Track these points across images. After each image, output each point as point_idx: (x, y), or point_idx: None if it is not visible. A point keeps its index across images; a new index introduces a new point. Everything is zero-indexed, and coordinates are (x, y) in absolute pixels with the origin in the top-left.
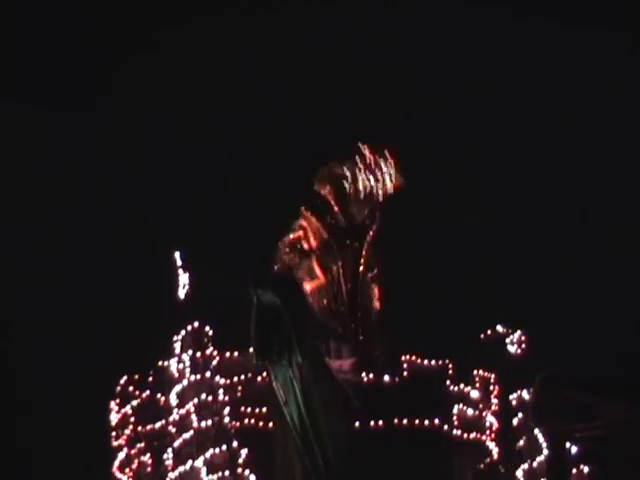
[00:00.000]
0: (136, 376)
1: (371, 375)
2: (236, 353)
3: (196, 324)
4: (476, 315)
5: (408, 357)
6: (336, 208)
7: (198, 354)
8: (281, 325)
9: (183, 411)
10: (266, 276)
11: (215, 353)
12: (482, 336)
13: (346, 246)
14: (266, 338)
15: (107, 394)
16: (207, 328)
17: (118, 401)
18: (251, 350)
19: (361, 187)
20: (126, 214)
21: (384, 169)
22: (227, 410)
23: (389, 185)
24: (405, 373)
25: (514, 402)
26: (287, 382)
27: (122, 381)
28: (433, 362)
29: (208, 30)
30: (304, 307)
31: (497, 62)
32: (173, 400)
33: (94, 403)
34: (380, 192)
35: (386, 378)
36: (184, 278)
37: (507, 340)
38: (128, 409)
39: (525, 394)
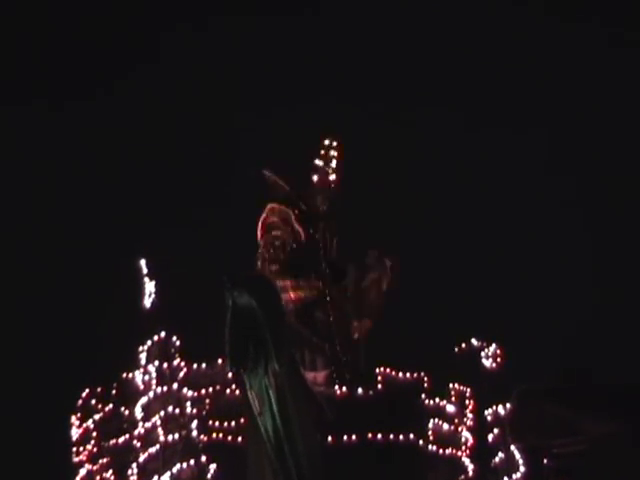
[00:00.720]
0: (99, 389)
1: (344, 388)
2: (204, 365)
3: (162, 334)
4: (451, 328)
5: (382, 370)
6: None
7: (165, 365)
8: (257, 329)
9: (149, 424)
10: (242, 277)
11: (182, 364)
12: (456, 350)
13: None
14: (241, 343)
15: (68, 408)
16: (174, 338)
17: (79, 415)
18: (219, 361)
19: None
20: (88, 221)
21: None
22: (195, 423)
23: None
24: (379, 386)
25: (489, 417)
26: (262, 391)
27: (84, 394)
28: (408, 375)
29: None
30: (280, 311)
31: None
32: (138, 413)
33: (54, 417)
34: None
35: (360, 391)
36: (150, 286)
37: (482, 354)
38: (90, 423)
39: (501, 409)
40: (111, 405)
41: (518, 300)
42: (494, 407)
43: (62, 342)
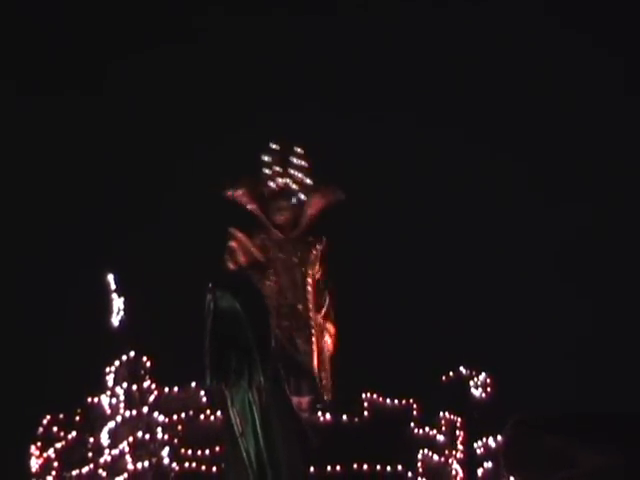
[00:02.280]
0: (61, 415)
1: (328, 415)
2: (176, 388)
3: (132, 354)
4: (439, 354)
5: (369, 395)
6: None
7: (134, 387)
8: (241, 336)
9: (116, 451)
10: (225, 278)
11: (153, 387)
12: (444, 378)
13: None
14: (223, 353)
15: (27, 437)
16: (144, 359)
17: (39, 445)
18: (192, 385)
19: (274, 185)
20: (49, 229)
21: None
22: (166, 450)
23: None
24: (366, 413)
25: (480, 450)
26: (245, 408)
27: (44, 421)
28: (396, 402)
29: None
30: (266, 316)
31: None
32: (105, 439)
33: (11, 447)
34: (296, 187)
35: (344, 418)
36: (118, 303)
37: (471, 383)
38: (51, 453)
39: (491, 441)
40: (74, 433)
41: (510, 327)
42: (484, 439)
43: (19, 364)
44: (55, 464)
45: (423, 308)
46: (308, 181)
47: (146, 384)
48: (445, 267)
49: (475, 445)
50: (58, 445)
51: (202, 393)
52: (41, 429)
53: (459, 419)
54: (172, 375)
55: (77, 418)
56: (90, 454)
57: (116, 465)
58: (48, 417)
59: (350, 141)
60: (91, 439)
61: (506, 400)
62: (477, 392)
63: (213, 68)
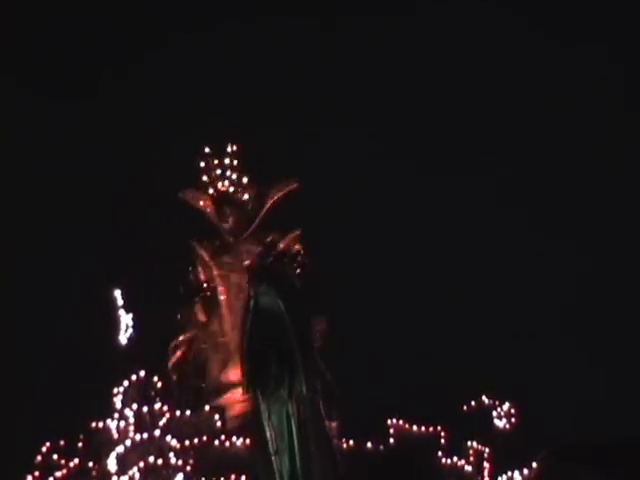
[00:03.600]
0: (61, 442)
1: (352, 442)
2: (188, 412)
3: (142, 374)
4: (461, 382)
5: (395, 421)
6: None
7: (144, 409)
8: (283, 339)
9: (125, 478)
10: (269, 272)
11: (165, 409)
12: (465, 407)
13: None
14: (262, 357)
15: (23, 466)
16: (155, 379)
17: (37, 474)
18: (206, 409)
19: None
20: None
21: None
22: (180, 477)
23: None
24: (392, 440)
25: None
26: (283, 423)
27: (43, 449)
28: (423, 429)
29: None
30: (309, 320)
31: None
32: (112, 465)
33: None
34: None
35: (369, 445)
36: (126, 319)
37: (494, 413)
38: None
39: (517, 476)
40: (77, 460)
41: (536, 355)
42: (509, 473)
43: (15, 387)
44: None
45: (445, 335)
46: (244, 179)
47: (157, 406)
48: (469, 295)
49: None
50: (58, 474)
51: (216, 417)
52: (39, 457)
53: (487, 449)
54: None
55: (80, 444)
56: None
57: None
58: (47, 444)
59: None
60: (95, 466)
61: (530, 431)
62: (501, 423)
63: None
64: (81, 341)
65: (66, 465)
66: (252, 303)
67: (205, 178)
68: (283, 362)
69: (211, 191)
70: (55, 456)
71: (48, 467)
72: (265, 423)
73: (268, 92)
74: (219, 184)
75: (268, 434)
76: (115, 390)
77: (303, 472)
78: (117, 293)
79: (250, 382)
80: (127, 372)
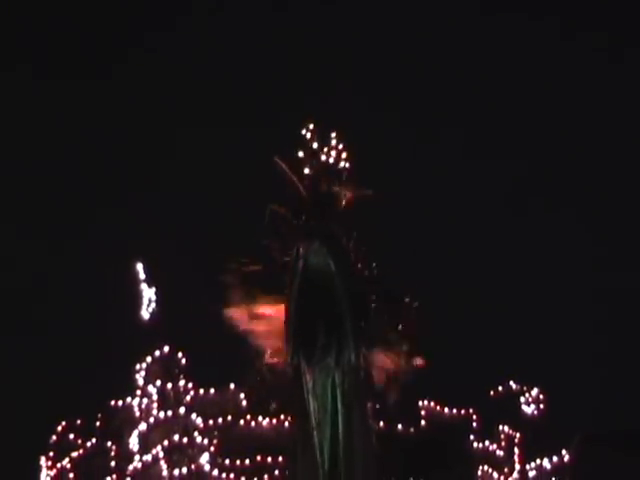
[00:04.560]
0: (78, 421)
1: (381, 423)
2: (212, 390)
3: (166, 349)
4: (490, 367)
5: (427, 403)
6: None
7: (169, 386)
8: (333, 304)
9: (148, 457)
10: (321, 228)
11: (190, 386)
12: (492, 393)
13: None
14: (310, 324)
15: (36, 447)
16: (179, 355)
17: (52, 454)
18: (232, 386)
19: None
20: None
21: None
22: (206, 456)
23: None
24: (423, 422)
25: (532, 472)
26: (327, 394)
27: (59, 428)
28: (455, 411)
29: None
30: (363, 283)
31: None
32: (134, 444)
33: (18, 460)
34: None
35: (400, 427)
36: (149, 293)
37: (522, 399)
38: (66, 463)
39: (546, 462)
40: (94, 440)
41: (565, 341)
42: (538, 460)
43: (30, 364)
44: (71, 475)
45: (477, 319)
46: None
47: (181, 383)
48: (502, 281)
49: (528, 467)
50: (74, 454)
51: (241, 396)
52: (54, 437)
53: (518, 434)
54: (209, 374)
55: (98, 423)
56: (113, 463)
57: (148, 473)
58: (63, 423)
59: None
60: (114, 446)
61: (559, 418)
62: (529, 409)
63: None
64: (101, 316)
65: (83, 445)
66: (301, 264)
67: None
68: (332, 329)
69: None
70: (71, 436)
71: (63, 447)
72: (308, 395)
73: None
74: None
75: (311, 406)
76: (137, 367)
77: (345, 447)
78: (139, 266)
79: (295, 352)
80: (150, 348)
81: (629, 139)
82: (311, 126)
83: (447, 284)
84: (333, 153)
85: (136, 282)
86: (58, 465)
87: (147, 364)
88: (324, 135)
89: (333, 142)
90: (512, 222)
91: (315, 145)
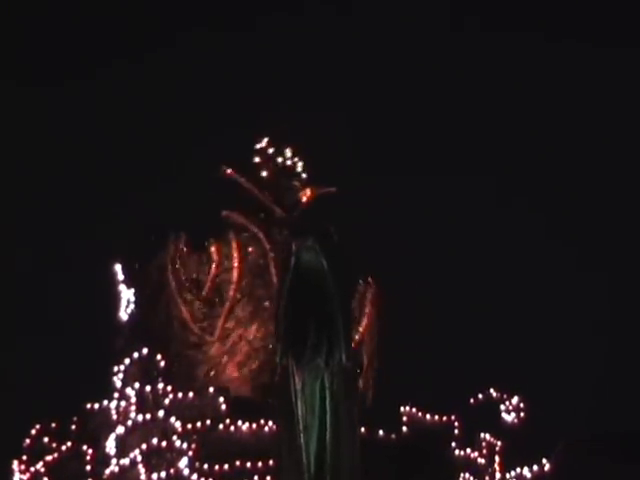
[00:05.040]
0: (53, 424)
1: (362, 429)
2: (191, 393)
3: (144, 351)
4: (470, 374)
5: (408, 409)
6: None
7: (147, 388)
8: (325, 303)
9: (126, 461)
10: (313, 227)
11: (169, 389)
12: (472, 401)
13: None
14: (301, 323)
15: (8, 451)
16: (158, 357)
17: (25, 458)
18: (210, 390)
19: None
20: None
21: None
22: (185, 460)
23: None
24: (404, 429)
25: None
26: (315, 396)
27: (33, 432)
28: (437, 418)
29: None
30: (353, 283)
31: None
32: (111, 447)
33: None
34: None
35: (380, 433)
36: (127, 295)
37: (502, 407)
38: (40, 467)
39: (526, 471)
40: (69, 443)
41: (545, 349)
42: (518, 469)
43: (3, 363)
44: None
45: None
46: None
47: (160, 386)
48: (483, 288)
49: (508, 475)
50: (49, 458)
51: (221, 400)
52: (28, 440)
53: (499, 443)
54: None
55: (73, 427)
56: (89, 467)
57: (125, 477)
58: (37, 426)
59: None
60: (90, 450)
61: (541, 426)
62: (509, 417)
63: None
64: (78, 317)
65: (57, 449)
66: (293, 260)
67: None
68: (322, 328)
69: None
70: (46, 439)
71: (37, 451)
72: (297, 397)
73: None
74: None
75: (300, 410)
76: (115, 369)
77: (332, 451)
78: (117, 267)
79: (284, 352)
80: (128, 350)
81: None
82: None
83: (428, 290)
84: (289, 153)
85: (114, 283)
86: (32, 469)
87: (125, 366)
88: (281, 140)
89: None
90: (493, 226)
91: (271, 150)
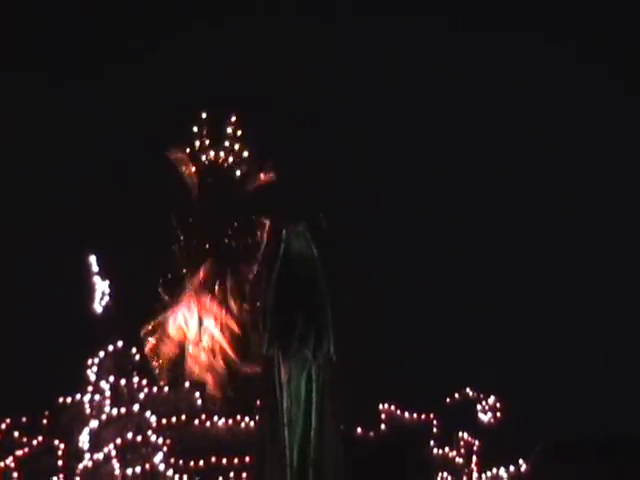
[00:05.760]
0: (23, 418)
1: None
2: (166, 388)
3: (119, 344)
4: (447, 373)
5: (387, 407)
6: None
7: (122, 382)
8: (313, 292)
9: (100, 455)
10: (304, 214)
11: (144, 383)
12: (447, 400)
13: None
14: (288, 313)
15: None
16: (133, 350)
17: None
18: (186, 385)
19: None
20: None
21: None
22: (160, 456)
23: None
24: (383, 426)
25: None
26: (300, 388)
27: (2, 426)
28: (415, 416)
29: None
30: (341, 273)
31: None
32: (84, 442)
33: None
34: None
35: (359, 431)
36: (102, 286)
37: (478, 407)
38: (10, 462)
39: (502, 472)
40: (40, 438)
41: (525, 348)
42: (494, 470)
43: None
44: (15, 475)
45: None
46: (245, 153)
47: (135, 380)
48: (462, 288)
49: (484, 476)
50: (19, 452)
51: (197, 395)
52: None
53: (477, 442)
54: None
55: (44, 421)
56: (60, 462)
57: (99, 472)
58: (7, 421)
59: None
60: (61, 445)
61: (518, 426)
62: (485, 417)
63: None
64: (51, 308)
65: (28, 443)
66: (282, 248)
67: (197, 144)
68: (311, 319)
69: (203, 158)
70: (16, 433)
71: (7, 446)
72: (282, 389)
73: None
74: (212, 152)
75: (285, 403)
76: (90, 361)
77: (315, 445)
78: (92, 259)
79: (271, 342)
80: (103, 342)
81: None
82: (204, 115)
83: (408, 290)
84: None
85: (89, 274)
86: (1, 464)
87: (100, 359)
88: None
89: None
90: (491, 228)
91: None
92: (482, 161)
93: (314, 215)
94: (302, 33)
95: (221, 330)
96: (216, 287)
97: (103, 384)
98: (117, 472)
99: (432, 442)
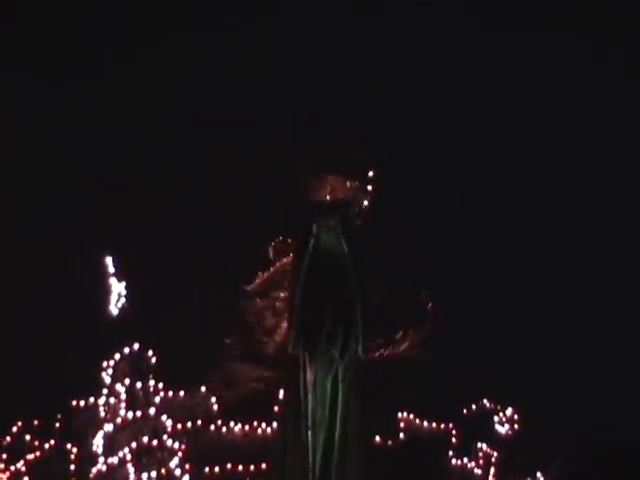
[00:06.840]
0: (35, 421)
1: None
2: (182, 392)
3: (135, 347)
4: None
5: (406, 415)
6: None
7: (138, 385)
8: (342, 289)
9: (114, 459)
10: (333, 208)
11: (160, 386)
12: (465, 411)
13: None
14: (316, 311)
15: None
16: (149, 353)
17: (5, 457)
18: (202, 389)
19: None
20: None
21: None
22: (176, 460)
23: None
24: (401, 435)
25: None
26: (326, 388)
27: (14, 429)
28: (434, 425)
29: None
30: (368, 270)
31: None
32: (99, 445)
33: None
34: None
35: (377, 439)
36: (119, 288)
37: (495, 418)
38: (21, 465)
39: None
40: (52, 441)
41: (544, 361)
42: None
43: None
44: (26, 479)
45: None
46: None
47: (151, 383)
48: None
49: None
50: (30, 456)
51: (213, 399)
52: (8, 438)
53: (495, 453)
54: (179, 375)
55: (57, 424)
56: (73, 466)
57: (113, 476)
58: (19, 424)
59: None
60: (74, 449)
61: (537, 439)
62: (502, 429)
63: None
64: (67, 311)
65: (40, 447)
66: (312, 242)
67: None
68: (339, 316)
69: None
70: (28, 437)
71: (18, 449)
72: (306, 390)
73: None
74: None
75: (309, 405)
76: (105, 364)
77: (340, 452)
78: (108, 260)
79: (297, 341)
80: (119, 345)
81: None
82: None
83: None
84: None
85: (105, 276)
86: (12, 468)
87: (115, 362)
88: None
89: None
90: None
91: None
92: (482, 159)
93: (345, 209)
94: None
95: None
96: None
97: (118, 387)
98: (132, 476)
99: (451, 452)
